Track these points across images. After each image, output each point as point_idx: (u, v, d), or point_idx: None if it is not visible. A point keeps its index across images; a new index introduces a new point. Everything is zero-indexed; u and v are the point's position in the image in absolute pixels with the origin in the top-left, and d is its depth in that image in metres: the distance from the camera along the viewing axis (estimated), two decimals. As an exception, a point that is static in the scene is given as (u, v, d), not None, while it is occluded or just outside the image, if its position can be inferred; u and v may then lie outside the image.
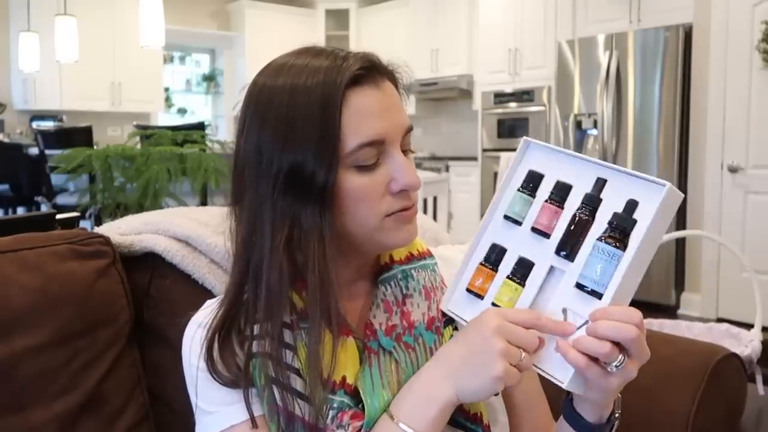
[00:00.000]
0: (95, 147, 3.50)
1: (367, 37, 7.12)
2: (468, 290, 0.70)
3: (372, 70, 0.67)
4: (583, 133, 4.49)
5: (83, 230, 0.99)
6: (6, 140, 5.48)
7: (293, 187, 0.65)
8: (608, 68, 4.29)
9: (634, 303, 0.61)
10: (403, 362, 0.69)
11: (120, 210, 2.53)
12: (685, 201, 4.10)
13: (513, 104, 5.33)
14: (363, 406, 0.67)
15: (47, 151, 4.14)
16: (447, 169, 5.96)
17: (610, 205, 0.63)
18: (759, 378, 1.35)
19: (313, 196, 0.65)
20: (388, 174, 0.68)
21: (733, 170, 3.80)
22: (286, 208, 0.65)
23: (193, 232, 0.97)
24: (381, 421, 0.65)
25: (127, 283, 0.95)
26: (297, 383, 0.68)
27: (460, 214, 5.46)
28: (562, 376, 0.61)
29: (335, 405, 0.66)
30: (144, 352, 0.97)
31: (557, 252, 0.65)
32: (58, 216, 1.80)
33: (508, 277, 0.68)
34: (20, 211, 4.68)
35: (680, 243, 4.08)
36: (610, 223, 0.62)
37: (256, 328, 0.68)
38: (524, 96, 5.24)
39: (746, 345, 1.49)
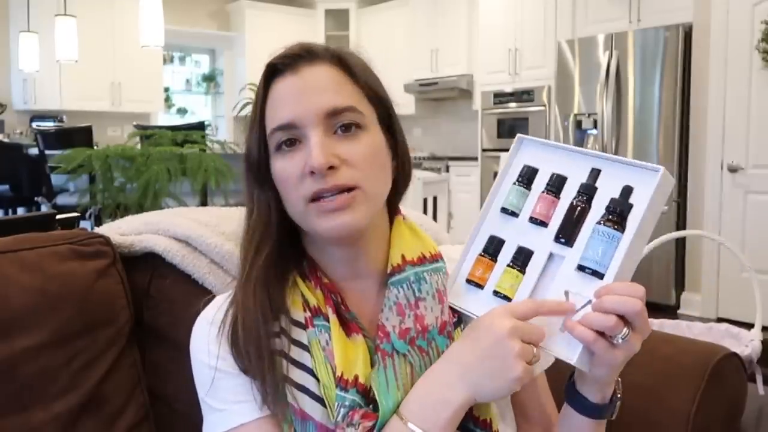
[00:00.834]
0: (95, 147, 3.49)
1: (366, 37, 7.11)
2: (468, 281, 0.71)
3: (296, 59, 0.72)
4: (583, 133, 4.49)
5: (83, 230, 0.98)
6: (6, 140, 5.47)
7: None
8: (608, 68, 4.29)
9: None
10: (418, 366, 0.69)
11: (120, 210, 2.52)
12: (685, 201, 4.11)
13: (513, 104, 5.33)
14: (373, 406, 0.67)
15: (47, 152, 4.13)
16: (447, 169, 5.96)
17: (606, 192, 0.66)
18: (759, 378, 1.35)
19: (259, 181, 0.74)
20: (303, 157, 0.69)
21: (733, 170, 3.80)
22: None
23: (193, 233, 0.97)
24: (391, 422, 0.65)
25: (127, 283, 0.95)
26: (310, 382, 0.69)
27: (460, 214, 5.45)
28: (570, 354, 0.62)
29: (347, 403, 0.66)
30: (144, 352, 0.97)
31: (556, 239, 0.67)
32: (58, 216, 1.80)
33: (508, 265, 0.69)
34: (20, 211, 4.67)
35: (680, 243, 4.07)
36: (607, 208, 0.65)
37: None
38: (524, 96, 5.24)
39: (746, 345, 1.49)
